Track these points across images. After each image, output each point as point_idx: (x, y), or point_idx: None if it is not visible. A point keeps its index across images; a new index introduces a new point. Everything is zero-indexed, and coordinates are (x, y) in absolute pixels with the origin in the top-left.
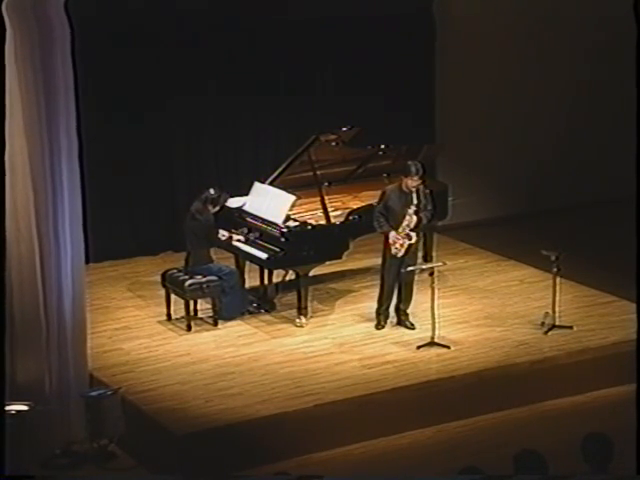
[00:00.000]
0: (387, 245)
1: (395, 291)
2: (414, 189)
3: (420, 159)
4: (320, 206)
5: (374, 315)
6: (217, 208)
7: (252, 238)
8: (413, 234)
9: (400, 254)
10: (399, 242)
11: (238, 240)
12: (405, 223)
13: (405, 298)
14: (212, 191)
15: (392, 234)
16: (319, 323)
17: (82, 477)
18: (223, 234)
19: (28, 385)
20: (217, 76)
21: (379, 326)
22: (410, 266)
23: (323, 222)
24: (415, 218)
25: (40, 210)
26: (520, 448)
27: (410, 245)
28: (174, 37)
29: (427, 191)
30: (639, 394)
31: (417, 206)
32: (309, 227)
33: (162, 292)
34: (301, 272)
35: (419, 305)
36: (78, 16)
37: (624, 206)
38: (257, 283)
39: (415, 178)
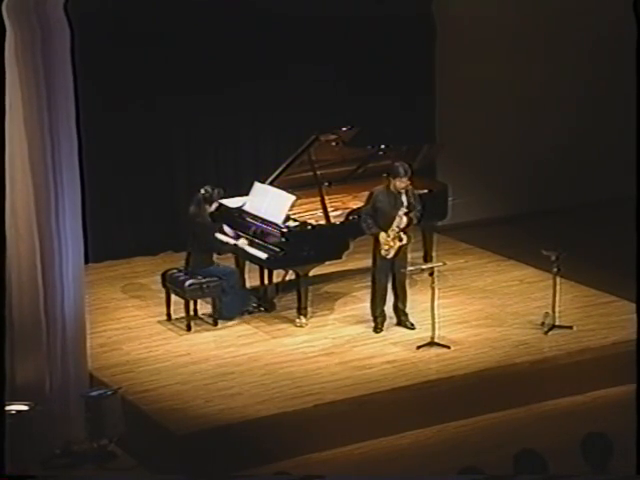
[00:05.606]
0: (377, 247)
1: (389, 292)
2: (403, 190)
3: (420, 159)
4: (320, 206)
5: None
6: (214, 206)
7: (252, 238)
8: (404, 235)
9: (390, 255)
10: (389, 243)
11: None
12: (395, 224)
13: (402, 297)
14: (203, 190)
15: (382, 235)
16: (319, 323)
17: (82, 477)
18: (228, 241)
19: (28, 385)
20: (217, 76)
21: (378, 329)
22: (402, 267)
23: (323, 222)
24: (405, 219)
25: (40, 210)
26: (520, 448)
27: (400, 247)
28: (174, 37)
29: (416, 191)
30: (639, 394)
31: (407, 207)
32: (309, 227)
33: (162, 292)
34: (301, 272)
35: (419, 305)
36: (78, 16)
37: (624, 206)
38: (257, 283)
39: (404, 179)
